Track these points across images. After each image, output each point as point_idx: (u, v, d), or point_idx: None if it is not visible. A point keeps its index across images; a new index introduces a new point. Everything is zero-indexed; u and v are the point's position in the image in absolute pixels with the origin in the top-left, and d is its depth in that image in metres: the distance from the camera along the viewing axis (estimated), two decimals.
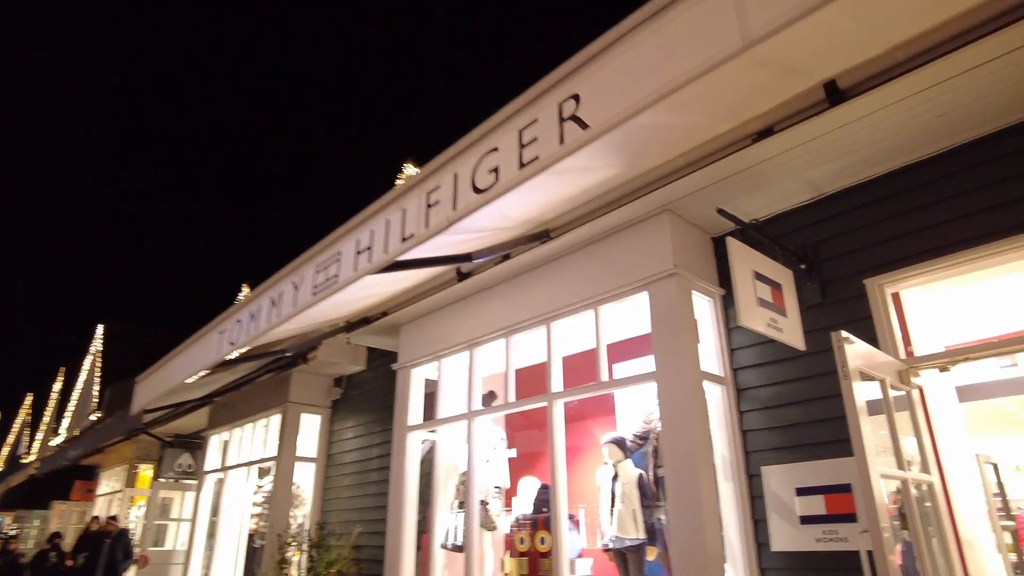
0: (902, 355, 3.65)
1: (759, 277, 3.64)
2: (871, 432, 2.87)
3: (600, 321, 4.67)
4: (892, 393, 3.28)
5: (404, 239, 2.97)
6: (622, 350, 5.83)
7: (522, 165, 2.46)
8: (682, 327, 4.11)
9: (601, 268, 4.70)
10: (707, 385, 4.32)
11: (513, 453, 6.88)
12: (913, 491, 3.11)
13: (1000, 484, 4.51)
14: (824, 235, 4.21)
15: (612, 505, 4.65)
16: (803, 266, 4.12)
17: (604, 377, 4.55)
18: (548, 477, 4.66)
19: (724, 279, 4.61)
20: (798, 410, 4.02)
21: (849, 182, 4.14)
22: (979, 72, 3.22)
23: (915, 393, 3.55)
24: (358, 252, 3.31)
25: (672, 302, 4.20)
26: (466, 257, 4.17)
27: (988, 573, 3.34)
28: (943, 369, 3.65)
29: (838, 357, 2.91)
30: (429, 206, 2.92)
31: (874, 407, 3.08)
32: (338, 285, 3.30)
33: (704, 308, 4.59)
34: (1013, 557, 4.25)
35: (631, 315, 5.32)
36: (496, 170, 2.57)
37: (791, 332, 3.72)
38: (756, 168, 3.94)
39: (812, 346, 3.95)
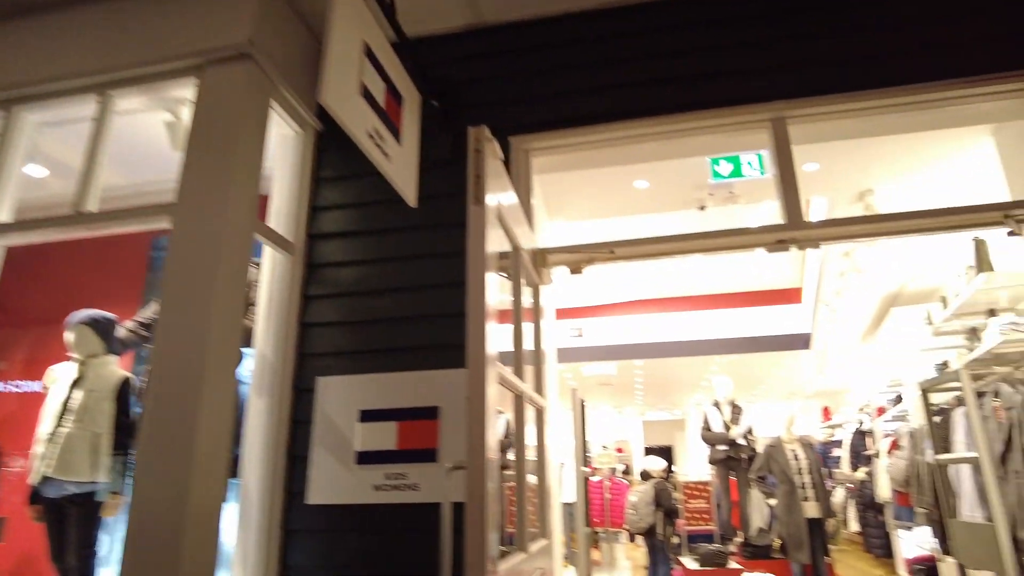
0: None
1: (372, 58, 2.21)
2: (496, 306, 1.66)
3: (109, 118, 2.71)
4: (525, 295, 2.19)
5: None
6: None
7: None
8: (241, 142, 2.45)
9: (124, 29, 2.72)
10: (268, 250, 2.78)
11: None
12: (527, 416, 2.05)
13: (584, 430, 4.01)
14: (472, 75, 3.03)
15: (57, 426, 2.72)
16: (436, 103, 2.86)
17: (92, 207, 2.60)
18: None
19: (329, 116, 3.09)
20: (387, 302, 2.73)
21: (520, 15, 3.04)
22: None
23: (544, 291, 2.58)
24: None
25: (233, 100, 2.50)
26: None
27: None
28: (575, 271, 2.76)
29: (473, 166, 1.63)
30: None
31: None
32: None
33: (287, 145, 3.02)
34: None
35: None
36: None
37: (402, 169, 2.40)
38: None
39: (423, 216, 2.73)
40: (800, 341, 10.78)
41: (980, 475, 4.28)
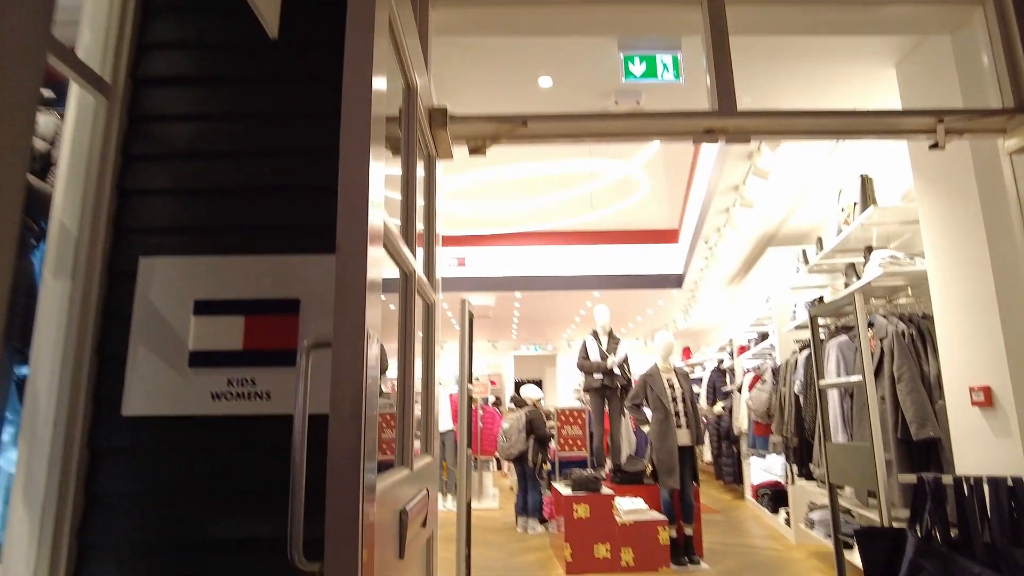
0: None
1: None
2: (383, 159, 1.19)
3: None
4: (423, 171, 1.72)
5: None
6: None
7: None
8: None
9: None
10: (75, 93, 2.10)
11: None
12: (418, 303, 1.62)
13: (471, 347, 3.67)
14: None
15: None
16: None
17: None
18: None
19: None
20: (235, 168, 2.15)
21: None
22: None
23: (439, 167, 2.12)
24: None
25: None
26: None
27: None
28: (476, 150, 2.32)
29: None
30: None
31: None
32: None
33: None
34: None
35: None
36: None
37: None
38: None
39: (288, 65, 2.17)
40: (673, 280, 11.10)
41: (844, 402, 4.45)
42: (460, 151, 2.29)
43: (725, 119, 2.24)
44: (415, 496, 1.43)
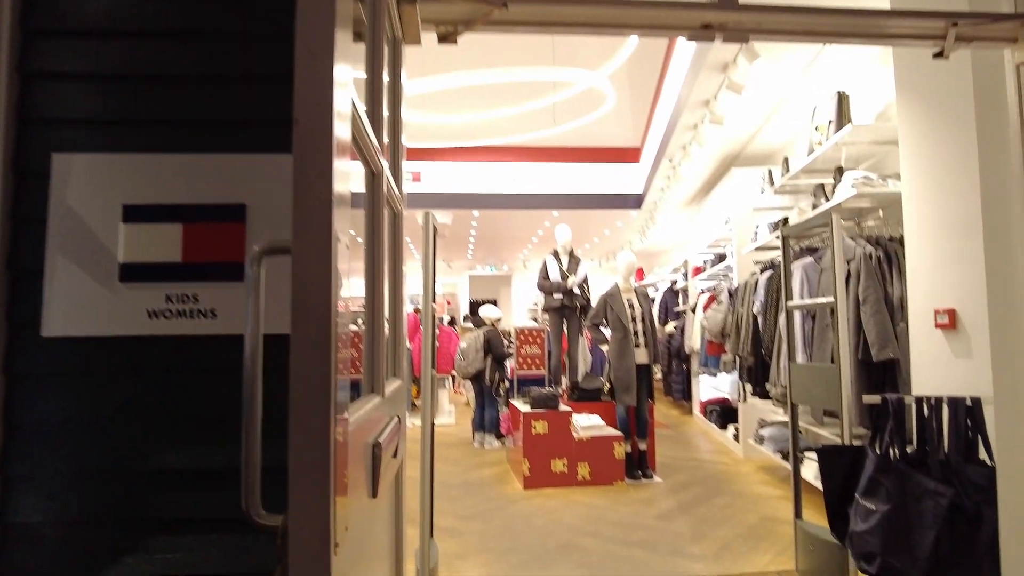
0: None
1: None
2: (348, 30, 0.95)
3: None
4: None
5: None
6: None
7: None
8: None
9: None
10: None
11: None
12: (387, 213, 1.40)
13: (434, 260, 3.49)
14: None
15: None
16: None
17: None
18: None
19: None
20: (168, 50, 1.83)
21: None
22: None
23: (406, 54, 1.85)
24: None
25: None
26: None
27: None
28: (446, 37, 2.04)
29: None
30: None
31: None
32: None
33: None
34: None
35: None
36: None
37: None
38: None
39: None
40: (632, 201, 10.99)
41: (806, 323, 4.47)
42: (428, 39, 2.01)
43: (726, 13, 2.01)
44: (387, 425, 1.27)
